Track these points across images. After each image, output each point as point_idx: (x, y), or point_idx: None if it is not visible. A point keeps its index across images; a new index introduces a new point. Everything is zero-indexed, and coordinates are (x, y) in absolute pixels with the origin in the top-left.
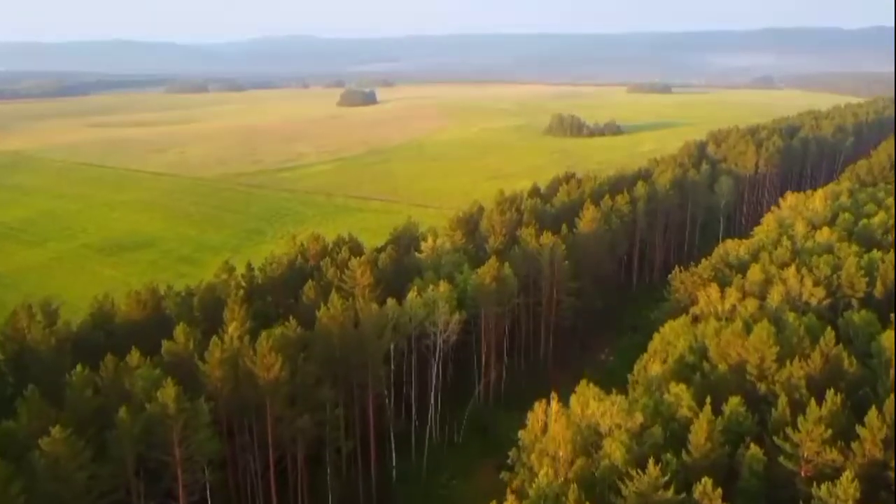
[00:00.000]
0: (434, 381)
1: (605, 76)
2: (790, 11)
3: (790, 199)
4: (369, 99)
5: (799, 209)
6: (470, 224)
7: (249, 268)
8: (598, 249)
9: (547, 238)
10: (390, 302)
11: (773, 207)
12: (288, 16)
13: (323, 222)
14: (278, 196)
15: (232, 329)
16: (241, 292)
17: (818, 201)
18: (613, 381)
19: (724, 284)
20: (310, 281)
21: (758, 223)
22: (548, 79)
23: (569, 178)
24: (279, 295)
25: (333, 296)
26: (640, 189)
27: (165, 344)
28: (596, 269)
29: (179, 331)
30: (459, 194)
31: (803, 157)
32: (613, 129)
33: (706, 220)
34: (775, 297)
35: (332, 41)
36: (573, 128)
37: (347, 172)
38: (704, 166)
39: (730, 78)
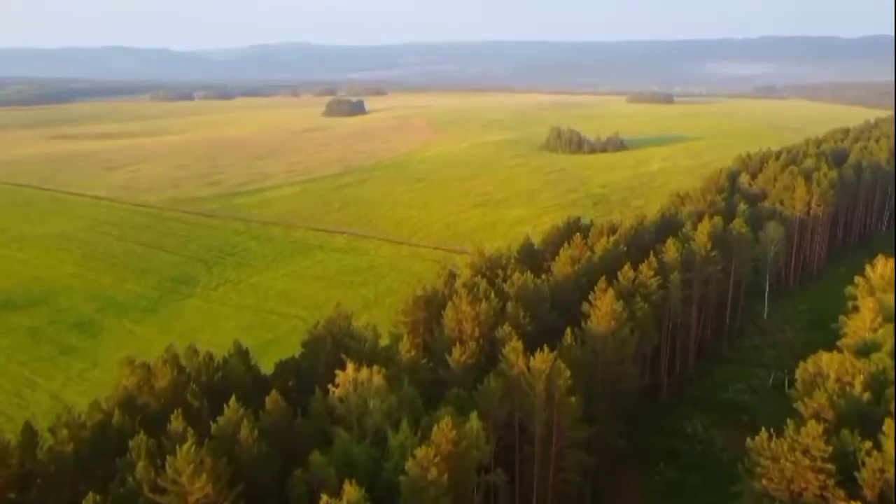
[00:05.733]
0: None
1: (604, 85)
2: (788, 20)
3: (882, 265)
4: (357, 109)
5: None
6: (432, 306)
7: (28, 432)
8: (618, 357)
9: (541, 360)
10: None
11: (858, 278)
12: (286, 23)
13: (271, 265)
14: (228, 228)
15: None
16: None
17: None
18: None
19: (846, 466)
20: (90, 495)
21: (807, 277)
22: (546, 87)
23: (572, 228)
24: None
25: None
26: (672, 251)
27: None
28: (614, 385)
29: None
30: (441, 226)
31: (856, 189)
32: (616, 145)
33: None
34: None
35: (328, 48)
36: (572, 143)
37: (316, 197)
38: (742, 206)
39: (731, 86)
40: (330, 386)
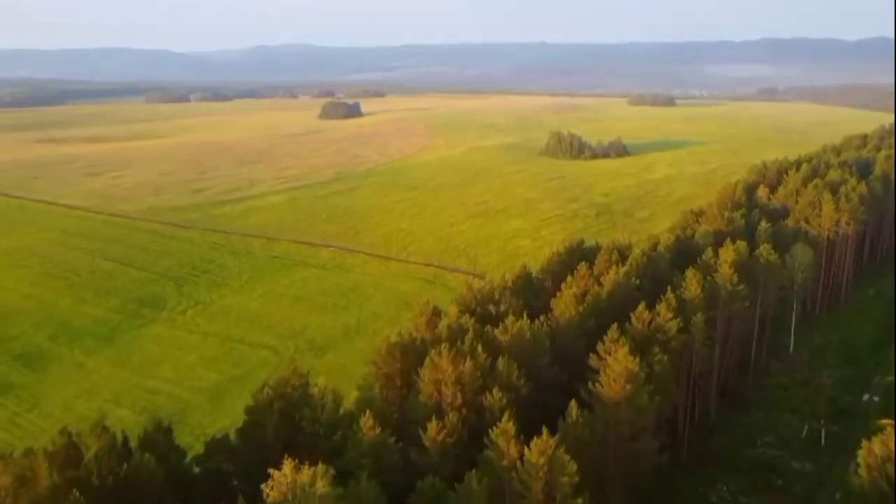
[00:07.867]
0: None
1: (605, 87)
2: (788, 22)
3: None
4: (353, 112)
5: None
6: (410, 355)
7: None
8: (634, 431)
9: (539, 450)
10: None
11: None
12: (287, 24)
13: (248, 284)
14: (206, 241)
15: None
16: None
17: None
18: None
19: None
20: None
21: (835, 302)
22: (546, 89)
23: (575, 254)
24: None
25: None
26: (694, 286)
27: None
28: (629, 466)
29: None
30: (433, 239)
31: (883, 202)
32: (619, 150)
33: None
34: None
35: (329, 50)
36: (573, 148)
37: (303, 206)
38: (763, 224)
39: (733, 89)
40: (263, 486)
